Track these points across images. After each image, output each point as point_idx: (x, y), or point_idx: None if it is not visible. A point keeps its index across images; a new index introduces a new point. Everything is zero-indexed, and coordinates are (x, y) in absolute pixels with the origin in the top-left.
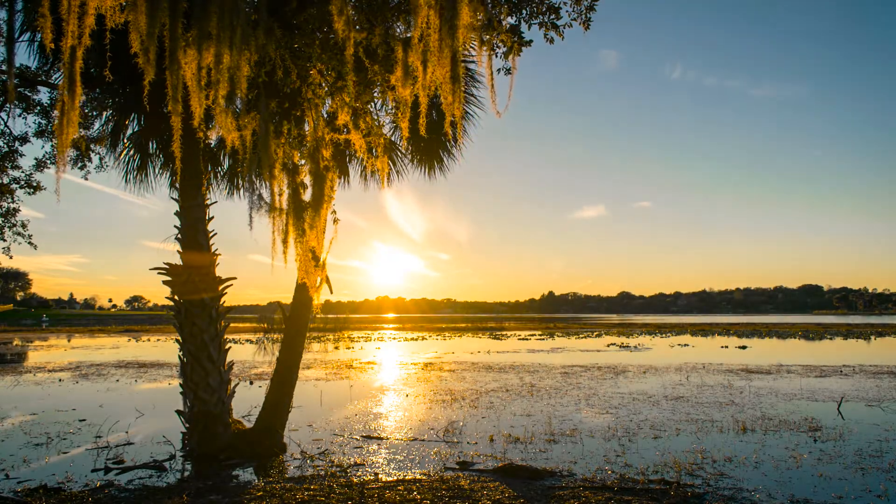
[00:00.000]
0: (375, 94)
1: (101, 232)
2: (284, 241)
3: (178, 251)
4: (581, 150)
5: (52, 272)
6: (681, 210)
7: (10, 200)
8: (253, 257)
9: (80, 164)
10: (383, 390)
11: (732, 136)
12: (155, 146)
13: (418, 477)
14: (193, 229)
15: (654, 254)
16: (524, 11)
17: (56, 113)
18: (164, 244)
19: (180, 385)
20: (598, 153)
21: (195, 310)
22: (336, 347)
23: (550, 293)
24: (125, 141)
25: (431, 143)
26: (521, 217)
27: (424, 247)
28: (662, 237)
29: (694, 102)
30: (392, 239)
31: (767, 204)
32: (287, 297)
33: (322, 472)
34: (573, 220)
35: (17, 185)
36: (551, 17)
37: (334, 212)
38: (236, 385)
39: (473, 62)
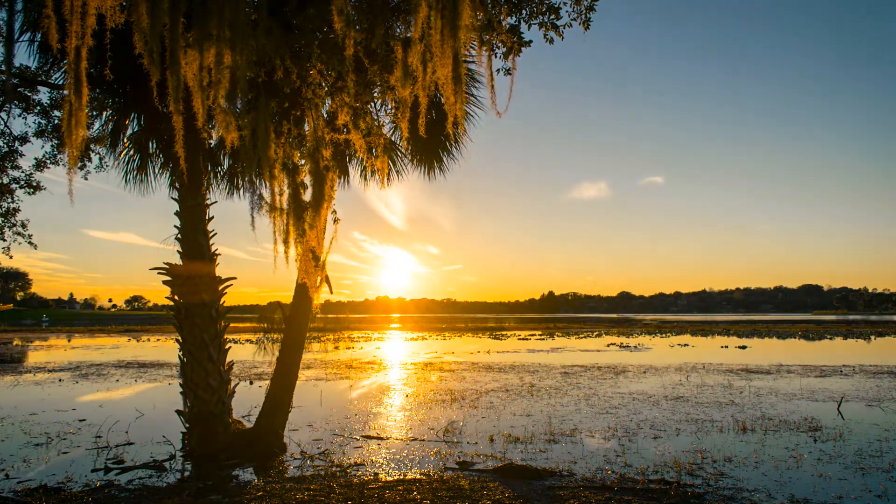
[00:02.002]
0: (375, 94)
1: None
2: (285, 241)
3: (177, 251)
4: (577, 111)
5: None
6: (695, 188)
7: (10, 200)
8: (253, 257)
9: (80, 164)
10: (383, 390)
11: (776, 79)
12: (155, 146)
13: (418, 477)
14: (193, 229)
15: (664, 241)
16: (524, 11)
17: (58, 113)
18: (163, 244)
19: (180, 385)
20: (597, 114)
21: (195, 310)
22: (336, 347)
23: (550, 293)
24: (125, 141)
25: (431, 143)
26: (509, 198)
27: (410, 238)
28: (674, 221)
29: (728, 21)
30: (372, 226)
31: (777, 195)
32: (287, 297)
33: (322, 472)
34: (570, 202)
35: (17, 185)
36: (551, 17)
37: (334, 212)
38: (236, 385)
39: (473, 62)
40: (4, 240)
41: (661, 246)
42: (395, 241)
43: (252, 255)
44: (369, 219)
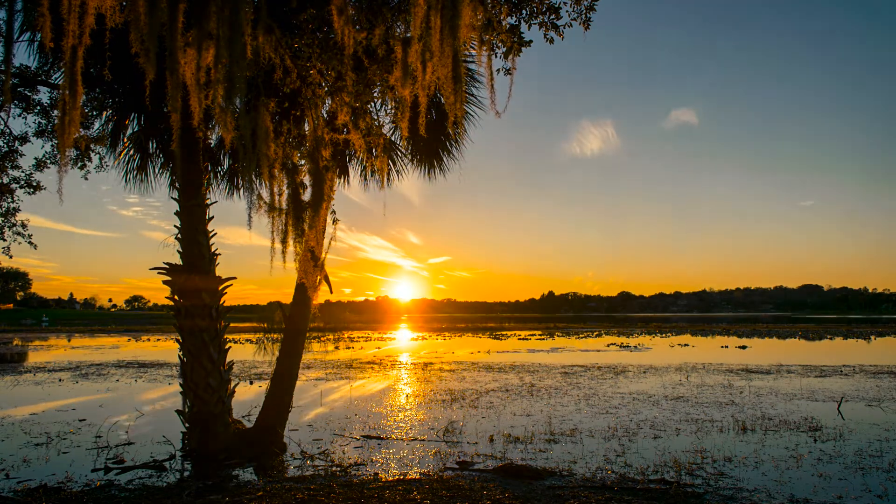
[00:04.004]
0: (375, 94)
1: None
2: (284, 241)
3: (178, 251)
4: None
5: None
6: (732, 124)
7: (10, 200)
8: (253, 257)
9: (79, 164)
10: (383, 390)
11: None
12: (155, 146)
13: (418, 477)
14: (193, 229)
15: (683, 223)
16: (524, 11)
17: (57, 112)
18: (164, 242)
19: (180, 385)
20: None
21: (195, 310)
22: (336, 347)
23: (550, 293)
24: (125, 141)
25: (431, 143)
26: (488, 161)
27: (381, 220)
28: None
29: None
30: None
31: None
32: (287, 297)
33: (322, 472)
34: (566, 164)
35: (17, 185)
36: (551, 17)
37: (333, 212)
38: (236, 385)
39: (473, 62)
40: (4, 240)
41: (673, 234)
42: (368, 226)
43: (262, 256)
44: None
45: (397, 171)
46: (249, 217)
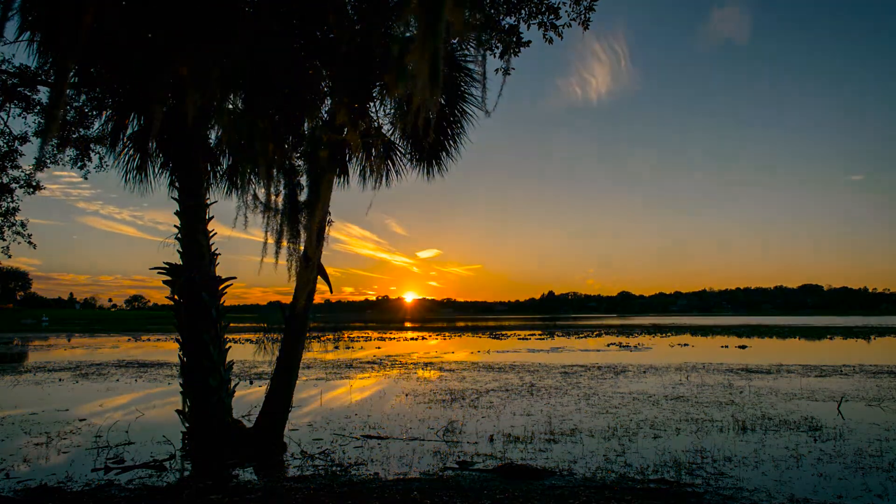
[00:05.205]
0: (374, 94)
1: None
2: (279, 242)
3: (178, 251)
4: None
5: None
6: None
7: (9, 200)
8: (252, 257)
9: (79, 164)
10: (383, 390)
11: None
12: (155, 146)
13: (418, 477)
14: (193, 229)
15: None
16: (523, 11)
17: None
18: (163, 242)
19: (180, 385)
20: None
21: (195, 310)
22: (336, 347)
23: (550, 293)
24: (125, 140)
25: (430, 143)
26: (479, 139)
27: (357, 204)
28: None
29: None
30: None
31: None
32: (287, 297)
33: (322, 472)
34: (564, 110)
35: (17, 185)
36: (550, 17)
37: (329, 213)
38: (236, 385)
39: (472, 62)
40: (4, 239)
41: (674, 232)
42: (349, 215)
43: (252, 255)
44: None
45: (396, 172)
46: (245, 217)
